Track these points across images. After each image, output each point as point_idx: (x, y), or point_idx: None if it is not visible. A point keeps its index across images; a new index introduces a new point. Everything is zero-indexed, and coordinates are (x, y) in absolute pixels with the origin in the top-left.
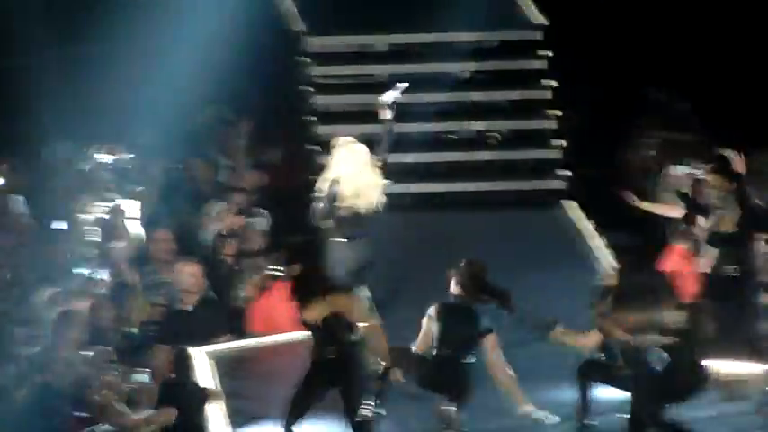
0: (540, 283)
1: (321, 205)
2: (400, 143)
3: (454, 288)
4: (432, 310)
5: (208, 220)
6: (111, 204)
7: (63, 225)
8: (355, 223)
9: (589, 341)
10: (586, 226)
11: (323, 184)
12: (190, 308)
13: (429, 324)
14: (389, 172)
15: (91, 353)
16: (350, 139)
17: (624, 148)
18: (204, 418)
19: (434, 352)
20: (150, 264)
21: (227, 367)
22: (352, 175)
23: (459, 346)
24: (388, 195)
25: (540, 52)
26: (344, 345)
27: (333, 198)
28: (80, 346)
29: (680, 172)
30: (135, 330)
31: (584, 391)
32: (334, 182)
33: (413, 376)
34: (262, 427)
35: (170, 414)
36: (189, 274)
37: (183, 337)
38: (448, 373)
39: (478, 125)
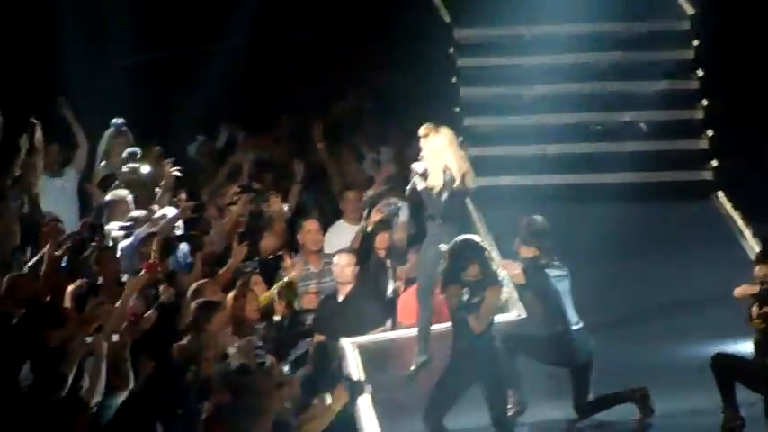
0: (691, 273)
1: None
2: (546, 134)
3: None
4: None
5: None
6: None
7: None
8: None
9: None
10: (736, 217)
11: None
12: (343, 299)
13: None
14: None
15: (237, 343)
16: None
17: None
18: (354, 410)
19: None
20: (299, 255)
21: (377, 359)
22: (455, 158)
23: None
24: (535, 187)
25: (687, 42)
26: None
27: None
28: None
29: None
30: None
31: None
32: (445, 169)
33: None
34: (409, 420)
35: (344, 397)
36: (344, 265)
37: (335, 328)
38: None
39: (625, 116)
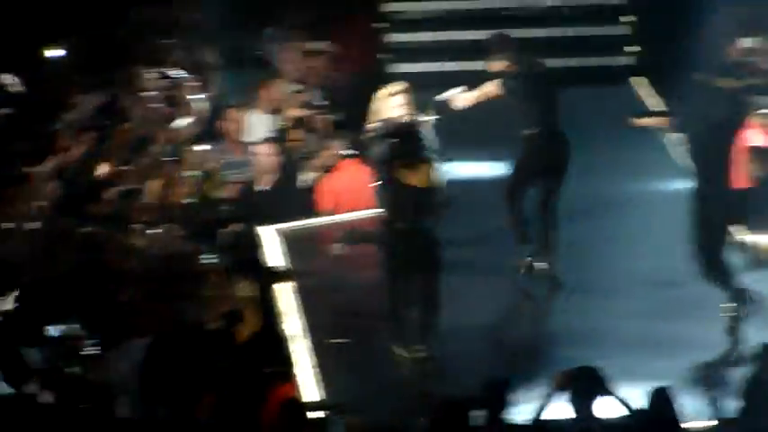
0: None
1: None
2: (464, 18)
3: None
4: None
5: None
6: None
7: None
8: None
9: None
10: (655, 102)
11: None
12: (265, 187)
13: None
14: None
15: (160, 230)
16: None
17: (694, 23)
18: (275, 296)
19: None
20: (222, 142)
21: (298, 246)
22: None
23: None
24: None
25: None
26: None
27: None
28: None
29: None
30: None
31: None
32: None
33: None
34: (329, 308)
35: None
36: (265, 155)
37: (257, 216)
38: None
39: (548, 1)
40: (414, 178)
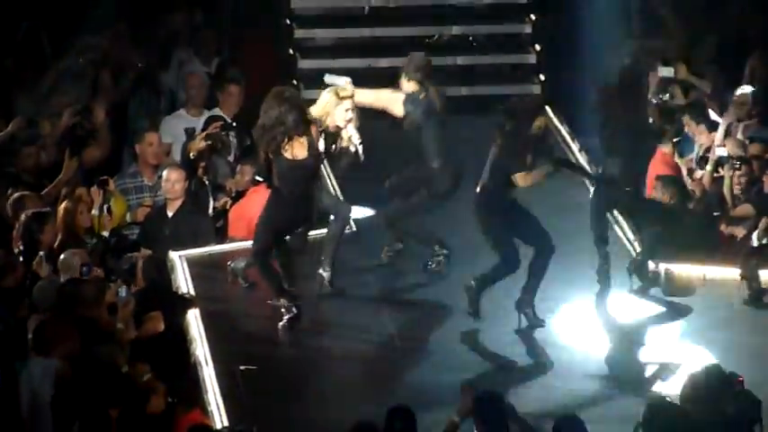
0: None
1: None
2: (378, 46)
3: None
4: None
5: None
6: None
7: None
8: None
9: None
10: (563, 130)
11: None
12: (173, 214)
13: None
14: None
15: (63, 256)
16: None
17: (601, 53)
18: (185, 323)
19: None
20: (134, 166)
21: (206, 272)
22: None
23: None
24: None
25: None
26: None
27: None
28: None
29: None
30: (114, 234)
31: None
32: None
33: None
34: (237, 332)
35: (157, 320)
36: (174, 180)
37: (165, 243)
38: None
39: (455, 29)
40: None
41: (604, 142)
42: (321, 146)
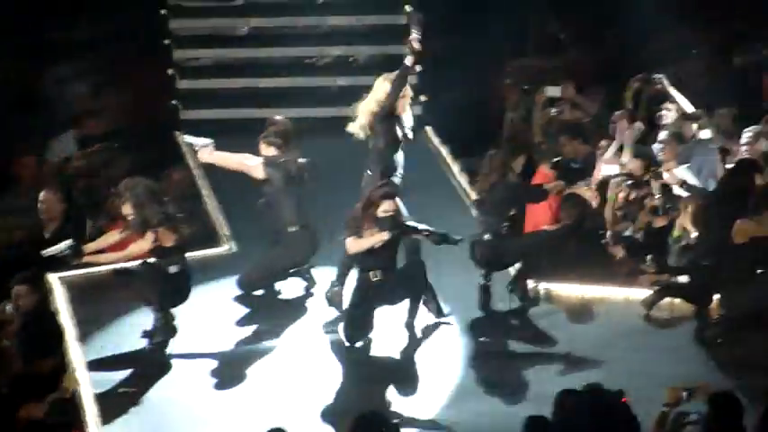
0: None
1: None
2: (259, 67)
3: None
4: None
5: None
6: None
7: None
8: None
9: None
10: (444, 152)
11: None
12: (49, 234)
13: None
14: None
15: None
16: None
17: (482, 74)
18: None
19: None
20: (14, 187)
21: (81, 294)
22: None
23: None
24: (241, 121)
25: None
26: None
27: None
28: None
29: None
30: None
31: None
32: None
33: None
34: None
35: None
36: (50, 202)
37: (42, 264)
38: None
39: (337, 50)
40: None
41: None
42: None
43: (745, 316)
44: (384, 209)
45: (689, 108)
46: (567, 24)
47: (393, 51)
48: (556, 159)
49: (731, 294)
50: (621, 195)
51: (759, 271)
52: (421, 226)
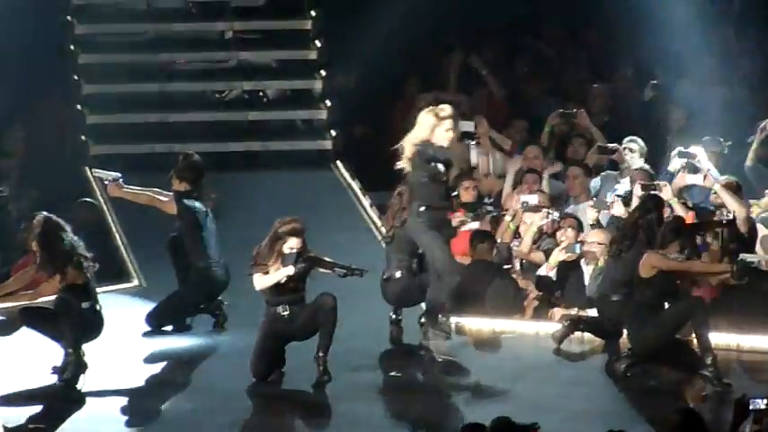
0: (318, 243)
1: None
2: (168, 102)
3: None
4: None
5: None
6: None
7: None
8: None
9: None
10: (354, 186)
11: None
12: None
13: None
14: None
15: None
16: None
17: (392, 107)
18: None
19: None
20: None
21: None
22: None
23: None
24: (152, 155)
25: (306, 13)
26: None
27: None
28: None
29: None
30: None
31: None
32: None
33: None
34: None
35: None
36: None
37: None
38: None
39: (246, 85)
40: None
41: None
42: None
43: (653, 348)
44: (290, 245)
45: (601, 141)
46: (487, 58)
47: (303, 86)
48: (467, 201)
49: (640, 327)
50: (536, 227)
51: (666, 304)
52: (326, 258)
